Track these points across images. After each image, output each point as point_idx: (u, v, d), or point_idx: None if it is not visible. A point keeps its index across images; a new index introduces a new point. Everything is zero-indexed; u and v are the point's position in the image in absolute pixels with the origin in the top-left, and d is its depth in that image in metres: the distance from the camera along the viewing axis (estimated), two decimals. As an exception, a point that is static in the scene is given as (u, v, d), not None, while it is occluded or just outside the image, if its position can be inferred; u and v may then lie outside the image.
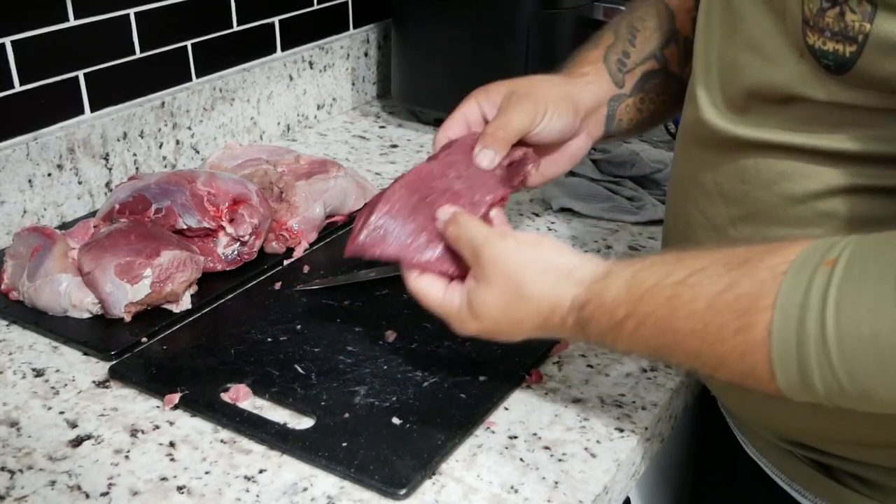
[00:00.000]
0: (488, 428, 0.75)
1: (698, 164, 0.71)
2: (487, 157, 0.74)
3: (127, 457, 0.72)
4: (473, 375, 0.80)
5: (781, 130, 0.62)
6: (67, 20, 1.07)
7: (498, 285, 0.65)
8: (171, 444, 0.74)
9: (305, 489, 0.69)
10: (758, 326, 0.53)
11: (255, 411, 0.76)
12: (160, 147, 1.20)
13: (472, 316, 0.67)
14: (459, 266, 0.70)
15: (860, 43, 0.54)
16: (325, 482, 0.70)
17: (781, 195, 0.63)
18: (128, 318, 0.88)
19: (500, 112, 0.77)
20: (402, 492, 0.68)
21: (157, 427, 0.76)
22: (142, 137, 1.17)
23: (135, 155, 1.16)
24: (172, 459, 0.72)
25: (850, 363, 0.50)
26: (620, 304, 0.60)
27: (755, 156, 0.64)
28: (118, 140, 1.14)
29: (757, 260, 0.55)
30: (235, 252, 0.96)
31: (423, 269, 0.70)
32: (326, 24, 1.43)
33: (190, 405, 0.77)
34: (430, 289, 0.70)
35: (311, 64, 1.40)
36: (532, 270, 0.64)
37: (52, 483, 0.70)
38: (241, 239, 0.96)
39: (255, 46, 1.32)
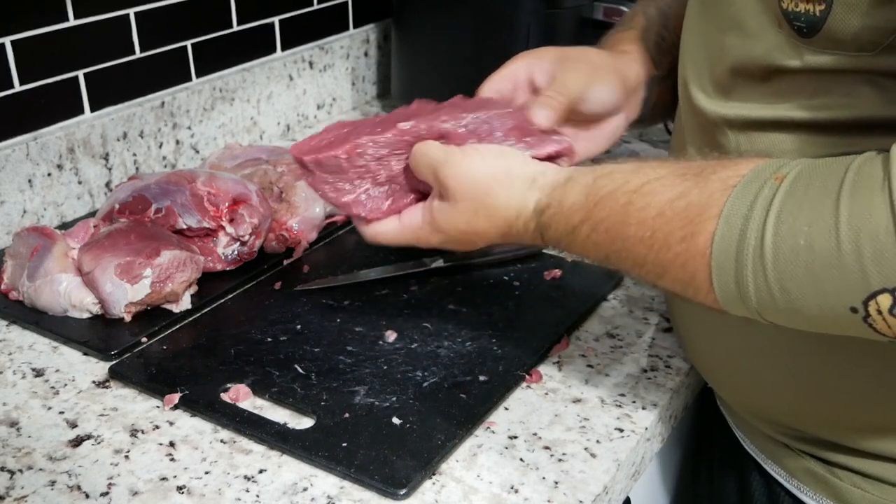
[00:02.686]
0: (488, 428, 0.75)
1: (688, 150, 0.72)
2: (544, 115, 0.76)
3: (127, 457, 0.72)
4: (473, 375, 0.80)
5: (762, 105, 0.64)
6: (67, 20, 1.07)
7: (465, 201, 0.67)
8: (171, 444, 0.74)
9: (305, 489, 0.69)
10: (702, 235, 0.55)
11: (255, 411, 0.76)
12: (160, 147, 1.20)
13: (436, 231, 0.69)
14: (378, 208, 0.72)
15: (828, 1, 0.56)
16: (325, 482, 0.70)
17: None
18: (128, 318, 0.88)
19: (555, 78, 0.78)
20: (402, 492, 0.68)
21: (157, 427, 0.76)
22: (142, 137, 1.17)
23: (135, 155, 1.16)
24: (172, 459, 0.72)
25: (782, 273, 0.52)
26: (577, 210, 0.63)
27: (738, 135, 0.66)
28: (118, 140, 1.14)
29: (710, 172, 0.57)
30: (235, 252, 0.96)
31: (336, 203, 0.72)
32: (326, 24, 1.43)
33: (190, 405, 0.77)
34: (383, 227, 0.72)
35: (311, 64, 1.40)
36: (499, 180, 0.66)
37: (52, 483, 0.70)
38: (241, 239, 0.96)
39: (255, 46, 1.32)
